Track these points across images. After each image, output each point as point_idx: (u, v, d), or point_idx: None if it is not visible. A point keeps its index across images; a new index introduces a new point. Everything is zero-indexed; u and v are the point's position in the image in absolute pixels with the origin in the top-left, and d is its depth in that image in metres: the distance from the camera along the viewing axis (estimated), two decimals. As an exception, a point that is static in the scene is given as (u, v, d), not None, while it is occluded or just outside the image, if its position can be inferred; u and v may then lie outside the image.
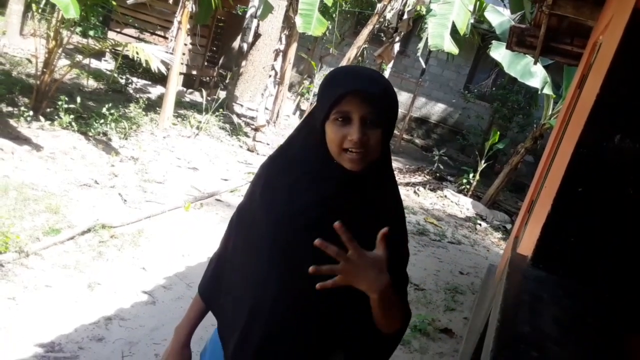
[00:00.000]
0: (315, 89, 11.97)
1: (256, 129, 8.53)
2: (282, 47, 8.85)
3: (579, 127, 1.90)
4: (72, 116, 6.22)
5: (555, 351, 1.37)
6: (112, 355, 2.82)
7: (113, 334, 2.99)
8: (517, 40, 5.16)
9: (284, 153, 1.32)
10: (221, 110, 9.04)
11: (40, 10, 7.60)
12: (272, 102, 9.61)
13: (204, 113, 8.43)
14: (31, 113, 5.92)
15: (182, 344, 1.45)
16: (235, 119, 9.51)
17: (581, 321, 1.66)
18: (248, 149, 8.26)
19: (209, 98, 8.80)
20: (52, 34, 6.31)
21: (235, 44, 11.77)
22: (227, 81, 11.22)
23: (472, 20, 9.77)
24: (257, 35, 10.49)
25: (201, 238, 4.56)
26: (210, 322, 1.49)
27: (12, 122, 5.71)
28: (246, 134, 8.94)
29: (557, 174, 2.08)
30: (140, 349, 2.92)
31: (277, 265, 1.23)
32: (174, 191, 5.48)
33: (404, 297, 1.33)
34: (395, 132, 13.46)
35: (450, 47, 8.18)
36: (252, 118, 9.84)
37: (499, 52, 7.67)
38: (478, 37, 12.33)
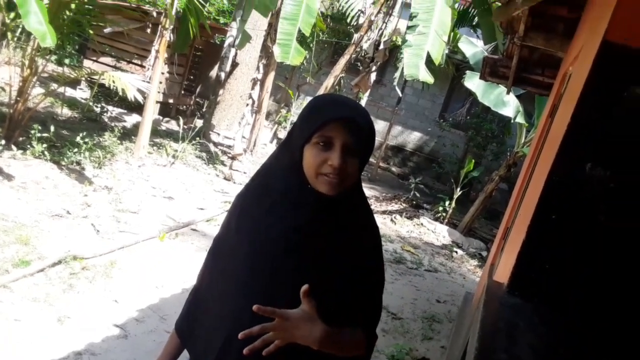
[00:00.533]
0: (292, 117, 12.05)
1: (233, 158, 8.51)
2: (259, 76, 8.91)
3: (551, 156, 1.94)
4: (45, 145, 6.11)
5: (531, 380, 1.37)
6: (81, 392, 2.72)
7: (83, 369, 2.90)
8: (490, 70, 5.28)
9: (259, 181, 1.33)
10: (198, 138, 9.01)
11: (15, 39, 7.55)
12: (250, 131, 9.61)
13: (180, 141, 8.38)
14: (3, 142, 5.80)
15: None
16: (212, 148, 9.48)
17: (555, 349, 1.67)
18: (225, 178, 8.22)
19: (185, 127, 8.77)
20: (27, 62, 6.25)
21: (213, 73, 11.82)
22: (204, 110, 11.22)
23: (446, 51, 9.99)
24: (234, 64, 10.56)
25: (176, 269, 4.48)
26: (186, 356, 1.45)
27: (-18, 151, 5.60)
28: (223, 163, 8.90)
29: (531, 202, 2.10)
30: (111, 385, 2.83)
31: (253, 294, 1.22)
32: (148, 221, 5.40)
33: (372, 324, 1.35)
34: (372, 160, 13.56)
35: (426, 77, 8.32)
36: (229, 147, 9.82)
37: (473, 82, 7.84)
38: (452, 67, 12.59)
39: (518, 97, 7.97)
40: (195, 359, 1.35)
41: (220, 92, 10.61)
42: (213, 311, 1.31)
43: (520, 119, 8.00)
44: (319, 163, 1.16)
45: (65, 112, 8.59)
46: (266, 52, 9.03)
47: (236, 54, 10.37)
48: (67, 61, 9.76)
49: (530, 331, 1.73)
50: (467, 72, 8.19)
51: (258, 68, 9.05)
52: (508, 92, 6.03)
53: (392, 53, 10.96)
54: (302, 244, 1.22)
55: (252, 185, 1.34)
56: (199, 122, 9.88)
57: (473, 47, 8.28)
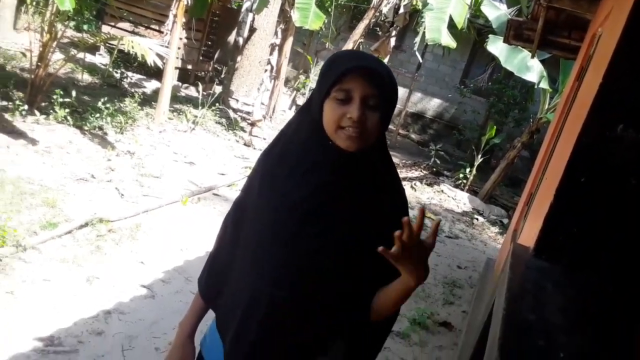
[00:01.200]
0: (311, 84, 11.95)
1: (252, 124, 8.51)
2: (278, 42, 8.81)
3: (581, 118, 1.90)
4: (67, 110, 6.17)
5: (562, 340, 1.36)
6: (112, 349, 2.80)
7: (112, 327, 2.98)
8: (515, 33, 5.16)
9: (279, 144, 1.31)
10: (217, 104, 9.01)
11: (34, 4, 7.55)
12: (268, 97, 9.57)
13: (200, 108, 8.39)
14: (26, 107, 5.88)
15: (186, 338, 1.44)
16: (232, 114, 9.48)
17: (586, 311, 1.66)
18: (244, 144, 8.24)
19: (204, 93, 8.76)
20: (46, 27, 6.26)
21: (231, 38, 11.72)
22: (222, 76, 11.17)
23: (468, 15, 9.76)
24: (252, 30, 10.45)
25: (199, 232, 4.55)
26: (211, 315, 1.48)
27: (7, 116, 5.67)
28: (242, 129, 8.91)
29: (559, 165, 2.08)
30: (140, 343, 2.91)
31: (276, 256, 1.22)
32: (171, 185, 5.46)
33: None
34: (391, 127, 13.45)
35: (448, 41, 8.16)
36: (248, 113, 9.81)
37: (496, 46, 7.66)
38: (474, 31, 12.32)
39: (542, 61, 7.78)
40: (220, 322, 1.37)
41: (239, 58, 10.54)
42: (235, 276, 1.32)
43: (544, 84, 7.83)
44: (338, 117, 1.14)
45: (86, 77, 8.63)
46: (284, 16, 8.91)
47: (254, 18, 10.26)
48: (85, 27, 9.73)
49: (559, 293, 1.73)
50: (490, 36, 8.00)
51: (276, 33, 8.95)
52: (533, 56, 5.90)
53: (412, 17, 10.73)
54: (324, 206, 1.20)
55: (273, 147, 1.32)
56: (217, 89, 9.86)
57: (496, 10, 8.07)
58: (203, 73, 11.50)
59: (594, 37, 3.23)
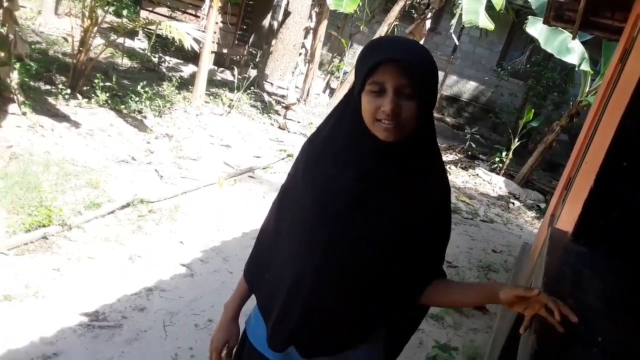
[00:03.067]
0: (345, 67, 11.89)
1: (287, 107, 8.55)
2: (312, 25, 8.79)
3: (624, 101, 1.86)
4: (107, 94, 6.34)
5: (601, 325, 1.36)
6: (154, 325, 2.91)
7: (154, 304, 3.09)
8: (555, 14, 5.02)
9: (323, 132, 1.31)
10: (252, 88, 9.08)
11: (75, -10, 7.71)
12: (303, 81, 9.59)
13: (235, 91, 8.47)
14: (69, 91, 6.05)
15: (231, 319, 1.48)
16: (266, 97, 9.54)
17: (626, 297, 1.65)
18: (279, 127, 8.30)
19: (239, 76, 8.84)
20: (87, 13, 6.40)
21: (266, 22, 11.75)
22: (257, 60, 11.22)
23: (506, -5, 9.54)
24: (287, 13, 10.44)
25: (235, 214, 4.64)
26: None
27: (50, 99, 5.85)
28: (277, 112, 8.97)
29: (600, 149, 2.04)
30: (180, 319, 3.01)
31: (319, 242, 1.24)
32: (208, 168, 5.57)
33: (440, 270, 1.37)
34: (426, 110, 13.29)
35: (485, 23, 8.01)
36: (282, 96, 9.85)
37: (535, 28, 7.48)
38: (512, 12, 12.00)
39: (583, 43, 7.56)
40: (262, 305, 1.40)
41: (273, 42, 10.56)
42: (279, 261, 1.35)
43: (585, 67, 7.62)
44: (374, 110, 1.13)
45: (125, 62, 8.80)
46: (319, 0, 8.87)
47: (288, 2, 10.25)
48: (124, 12, 9.91)
49: (597, 278, 1.71)
50: (529, 17, 7.80)
51: (310, 16, 8.92)
52: (574, 37, 5.74)
53: (448, -1, 10.55)
54: (366, 195, 1.21)
55: (318, 135, 1.32)
56: (252, 72, 9.92)
57: (536, -10, 7.85)
58: (238, 57, 11.57)
59: (638, 17, 3.14)
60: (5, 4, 4.90)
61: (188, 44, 6.32)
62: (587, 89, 8.26)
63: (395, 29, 11.06)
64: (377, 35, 9.22)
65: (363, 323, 1.31)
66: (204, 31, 7.48)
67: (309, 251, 1.25)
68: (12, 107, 5.00)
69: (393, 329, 1.40)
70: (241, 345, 1.48)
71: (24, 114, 5.07)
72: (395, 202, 1.22)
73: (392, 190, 1.22)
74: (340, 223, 1.22)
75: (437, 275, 1.34)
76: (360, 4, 9.93)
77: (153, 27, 7.38)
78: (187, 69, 9.79)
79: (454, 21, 9.92)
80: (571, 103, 8.99)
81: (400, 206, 1.23)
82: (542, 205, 7.92)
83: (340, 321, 1.30)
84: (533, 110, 9.61)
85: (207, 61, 7.73)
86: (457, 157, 9.63)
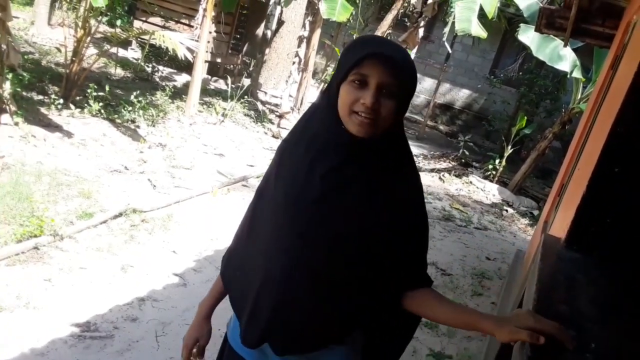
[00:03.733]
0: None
1: (280, 116, 8.56)
2: (305, 34, 8.83)
3: (615, 108, 1.87)
4: (101, 104, 6.32)
5: (594, 331, 1.35)
6: (146, 335, 2.88)
7: (146, 314, 3.06)
8: (547, 22, 5.06)
9: (297, 130, 1.31)
10: (245, 97, 9.09)
11: (68, 0, 7.72)
12: (296, 89, 9.61)
13: (229, 100, 8.48)
14: (61, 101, 6.04)
15: (203, 317, 1.49)
16: (260, 106, 9.55)
17: (619, 303, 1.64)
18: (273, 136, 8.30)
19: (233, 85, 8.85)
20: (80, 23, 6.40)
21: (259, 31, 11.78)
22: (251, 68, 11.25)
23: (498, 4, 9.60)
24: (280, 22, 10.48)
25: (229, 222, 4.62)
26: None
27: (43, 109, 5.83)
28: (270, 121, 8.97)
29: (592, 156, 2.05)
30: (172, 329, 2.98)
31: (288, 237, 1.23)
32: (201, 177, 5.55)
33: (425, 274, 1.33)
34: (419, 118, 13.36)
35: (478, 31, 8.05)
36: (276, 105, 9.87)
37: (527, 36, 7.52)
38: (505, 20, 12.10)
39: (575, 50, 7.62)
40: (235, 303, 1.39)
41: (267, 50, 10.59)
42: (251, 258, 1.34)
43: (577, 74, 7.67)
44: (352, 101, 1.12)
45: (119, 72, 8.80)
46: (312, 8, 8.91)
47: (282, 11, 10.29)
48: (118, 22, 9.93)
49: (590, 285, 1.71)
50: (521, 25, 7.85)
51: (304, 25, 8.97)
52: (566, 45, 5.79)
53: (441, 7, 10.61)
54: (334, 191, 1.19)
55: (290, 135, 1.32)
56: (246, 81, 9.93)
57: (528, -2, 7.91)
58: (232, 66, 11.59)
59: (628, 24, 3.16)
60: (-2, 15, 4.90)
61: (181, 53, 6.33)
62: (579, 96, 8.31)
63: (389, 37, 11.13)
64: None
65: (335, 322, 1.29)
66: (197, 40, 7.49)
67: (279, 247, 1.25)
68: (5, 118, 4.99)
69: (372, 335, 1.36)
70: (222, 348, 1.49)
71: (17, 124, 5.05)
72: (363, 199, 1.20)
73: (360, 187, 1.20)
74: (309, 218, 1.21)
75: (421, 281, 1.30)
76: (354, 13, 9.99)
77: (146, 37, 7.38)
78: (181, 79, 9.80)
79: (446, 29, 10.00)
80: (563, 110, 9.04)
81: (369, 203, 1.21)
82: (535, 212, 7.93)
83: (312, 319, 1.28)
84: (526, 117, 9.65)
85: (200, 70, 7.74)
86: (450, 165, 9.64)
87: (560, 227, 2.26)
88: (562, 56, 7.56)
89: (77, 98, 6.41)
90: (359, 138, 1.15)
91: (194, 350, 1.48)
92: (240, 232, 1.45)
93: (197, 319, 1.50)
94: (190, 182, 5.29)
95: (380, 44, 1.16)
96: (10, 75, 5.03)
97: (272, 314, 1.26)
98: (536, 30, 5.35)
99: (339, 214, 1.20)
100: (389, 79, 1.11)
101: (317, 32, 9.44)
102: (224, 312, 1.53)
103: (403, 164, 1.27)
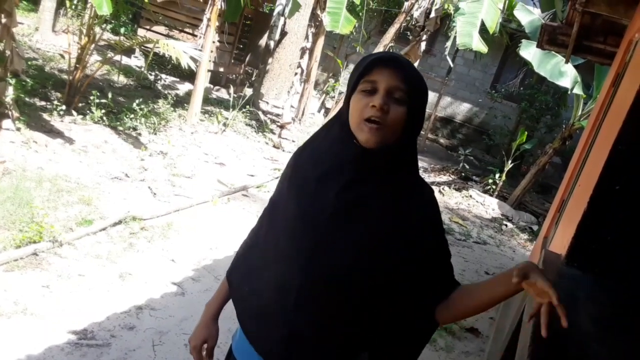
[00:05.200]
0: (340, 87, 11.97)
1: (282, 126, 8.58)
2: (308, 45, 8.87)
3: (617, 125, 1.88)
4: (103, 111, 6.34)
5: (594, 348, 1.35)
6: (142, 344, 2.87)
7: (144, 323, 3.05)
8: (549, 38, 5.09)
9: (310, 145, 1.33)
10: (247, 107, 9.12)
11: (73, 7, 7.76)
12: (298, 100, 9.64)
13: (230, 110, 8.50)
14: (64, 107, 6.05)
15: (210, 317, 1.49)
16: (261, 116, 9.57)
17: (619, 320, 1.64)
18: (274, 146, 8.31)
19: (235, 95, 8.88)
20: (84, 30, 6.44)
21: (262, 42, 11.84)
22: (253, 78, 11.29)
23: (500, 19, 9.67)
24: (283, 33, 10.53)
25: (228, 232, 4.61)
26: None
27: (45, 116, 5.85)
28: (272, 131, 8.99)
29: (593, 172, 2.05)
30: (170, 339, 2.97)
31: (303, 251, 1.23)
32: (201, 185, 5.55)
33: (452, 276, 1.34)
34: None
35: (479, 46, 8.10)
36: (277, 115, 9.89)
37: (529, 51, 7.58)
38: (506, 36, 12.18)
39: (576, 67, 7.66)
40: (240, 312, 1.38)
41: (270, 61, 10.63)
42: (262, 271, 1.34)
43: (578, 90, 7.71)
44: (362, 107, 1.14)
45: (121, 79, 8.82)
46: (315, 20, 8.97)
47: (285, 22, 10.34)
48: (122, 30, 9.98)
49: (590, 302, 1.71)
50: (523, 41, 7.91)
51: (307, 37, 9.01)
52: (567, 61, 5.80)
53: (443, 21, 10.68)
54: (349, 205, 1.20)
55: (305, 148, 1.34)
56: (248, 91, 9.98)
57: (530, 14, 7.97)
58: (234, 76, 11.64)
59: (630, 43, 3.18)
60: (3, 21, 4.92)
61: (185, 62, 6.35)
62: (579, 112, 8.35)
63: (391, 50, 11.17)
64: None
65: (347, 339, 1.29)
66: (200, 50, 7.52)
67: (295, 260, 1.24)
68: (7, 123, 4.99)
69: (379, 355, 1.35)
70: (227, 357, 1.47)
71: (18, 129, 5.06)
72: (376, 214, 1.21)
73: (374, 202, 1.21)
74: (325, 232, 1.21)
75: (453, 286, 1.31)
76: (357, 25, 10.04)
77: (150, 45, 7.41)
78: (183, 87, 9.83)
79: (448, 43, 10.05)
80: (564, 126, 9.07)
81: (381, 218, 1.21)
82: (535, 228, 7.93)
83: (322, 335, 1.27)
84: (526, 132, 9.69)
85: (203, 79, 7.77)
86: (450, 178, 9.65)
87: (560, 244, 2.26)
88: (563, 72, 7.61)
89: (80, 105, 6.43)
90: (370, 151, 1.16)
91: (203, 352, 1.46)
92: (252, 239, 1.45)
93: (204, 320, 1.49)
94: (191, 191, 5.29)
95: (387, 54, 1.20)
96: (13, 81, 5.05)
97: (287, 328, 1.25)
98: (538, 46, 5.38)
99: (354, 227, 1.21)
100: (398, 83, 1.14)
101: (320, 44, 9.49)
102: (231, 313, 1.52)
103: (413, 178, 1.28)
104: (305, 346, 1.27)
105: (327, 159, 1.24)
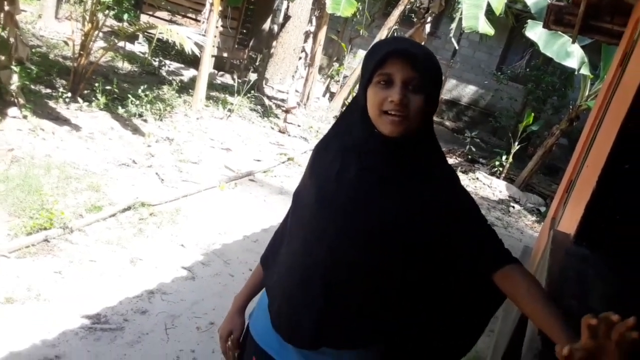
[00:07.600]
0: (345, 71, 11.92)
1: (287, 111, 8.56)
2: (312, 29, 8.81)
3: (625, 104, 1.87)
4: (108, 98, 6.35)
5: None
6: (155, 327, 2.91)
7: (156, 307, 3.09)
8: (555, 18, 5.03)
9: (331, 132, 1.34)
10: (252, 92, 9.10)
11: (75, -6, 7.72)
12: (303, 84, 9.61)
13: (235, 95, 8.49)
14: (69, 95, 6.06)
15: (237, 310, 1.51)
16: (266, 101, 9.55)
17: (629, 298, 1.65)
18: (279, 131, 8.31)
19: (239, 80, 8.86)
20: (87, 17, 6.41)
21: (266, 26, 11.77)
22: (257, 63, 11.25)
23: (506, 0, 9.57)
24: (287, 17, 10.47)
25: (236, 217, 4.64)
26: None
27: (51, 103, 5.85)
28: (277, 116, 8.98)
29: (601, 152, 2.05)
30: (182, 322, 3.01)
31: (326, 237, 1.24)
32: (208, 171, 5.57)
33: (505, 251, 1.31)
34: (426, 114, 13.30)
35: (485, 28, 8.03)
36: (282, 100, 9.87)
37: (535, 32, 7.51)
38: (512, 17, 12.05)
39: (583, 47, 7.59)
40: (269, 295, 1.40)
41: (273, 45, 10.59)
42: (287, 255, 1.36)
43: (585, 70, 7.65)
44: (380, 101, 1.14)
45: (126, 66, 8.81)
46: (318, 4, 8.89)
47: (288, 6, 10.28)
48: (125, 16, 9.94)
49: (600, 280, 1.72)
50: (529, 21, 7.82)
51: (310, 21, 8.95)
52: (574, 41, 5.76)
53: (448, 3, 10.57)
54: (371, 189, 1.21)
55: (325, 137, 1.35)
56: (252, 76, 9.94)
57: (536, -6, 7.87)
58: (238, 61, 11.59)
59: (638, 21, 3.15)
60: (7, 8, 4.92)
61: (189, 47, 6.32)
62: (586, 93, 8.29)
63: (395, 33, 11.08)
64: (376, 40, 9.24)
65: (363, 327, 1.30)
66: (204, 35, 7.49)
67: (317, 245, 1.25)
68: (13, 111, 5.01)
69: (392, 346, 1.36)
70: (245, 336, 1.50)
71: (25, 117, 5.08)
72: (398, 201, 1.22)
73: (396, 186, 1.22)
74: (346, 216, 1.22)
75: (504, 259, 1.27)
76: (360, 8, 9.97)
77: (153, 31, 7.38)
78: (188, 73, 9.81)
79: (453, 25, 9.96)
80: (571, 107, 9.01)
81: (403, 205, 1.22)
82: (542, 209, 7.92)
83: (348, 316, 1.28)
84: (533, 114, 9.64)
85: (207, 65, 7.75)
86: (457, 161, 9.64)
87: (569, 223, 2.26)
88: (569, 53, 7.54)
89: (85, 92, 6.43)
90: (392, 139, 1.17)
91: (229, 343, 1.49)
92: (281, 228, 1.48)
93: (231, 311, 1.52)
94: (198, 176, 5.31)
95: (400, 42, 1.20)
96: (18, 69, 5.05)
97: (318, 309, 1.26)
98: (544, 26, 5.32)
99: (375, 211, 1.21)
100: (413, 73, 1.14)
101: (324, 28, 9.44)
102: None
103: (437, 163, 1.28)
104: (332, 329, 1.28)
105: (346, 145, 1.26)
